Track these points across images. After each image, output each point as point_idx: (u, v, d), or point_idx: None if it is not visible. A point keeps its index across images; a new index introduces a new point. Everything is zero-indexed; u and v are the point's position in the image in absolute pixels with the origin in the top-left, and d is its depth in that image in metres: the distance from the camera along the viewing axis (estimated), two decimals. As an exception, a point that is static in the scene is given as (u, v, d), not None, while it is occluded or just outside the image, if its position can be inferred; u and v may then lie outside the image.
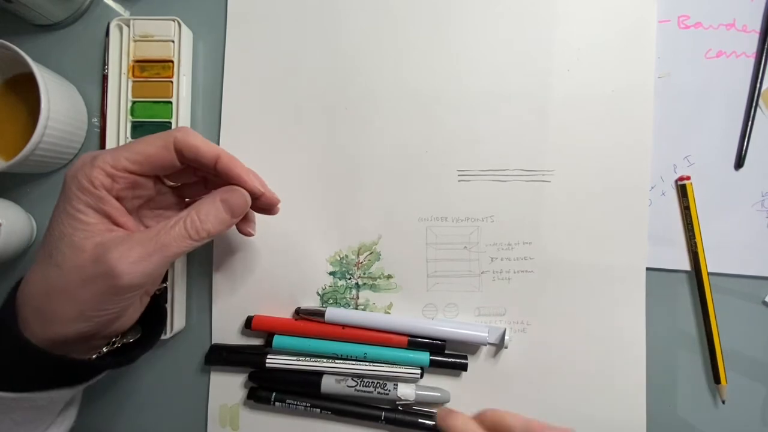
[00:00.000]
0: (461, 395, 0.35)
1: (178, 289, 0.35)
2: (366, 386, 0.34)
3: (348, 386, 0.33)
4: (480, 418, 0.32)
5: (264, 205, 0.29)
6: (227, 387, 0.35)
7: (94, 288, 0.23)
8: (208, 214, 0.26)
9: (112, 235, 0.25)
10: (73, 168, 0.25)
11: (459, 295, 0.35)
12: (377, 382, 0.34)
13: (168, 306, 0.34)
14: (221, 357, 0.35)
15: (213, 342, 0.35)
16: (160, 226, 0.25)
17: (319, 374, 0.34)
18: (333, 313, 0.34)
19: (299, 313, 0.35)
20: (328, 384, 0.34)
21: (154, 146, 0.25)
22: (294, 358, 0.34)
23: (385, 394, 0.33)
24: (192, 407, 0.36)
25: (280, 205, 0.30)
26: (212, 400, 0.35)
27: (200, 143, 0.26)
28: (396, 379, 0.34)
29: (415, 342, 0.34)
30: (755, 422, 0.35)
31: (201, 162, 0.26)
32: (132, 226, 0.26)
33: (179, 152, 0.26)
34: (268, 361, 0.34)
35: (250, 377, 0.35)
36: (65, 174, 0.25)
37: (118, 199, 0.25)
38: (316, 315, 0.34)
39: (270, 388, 0.34)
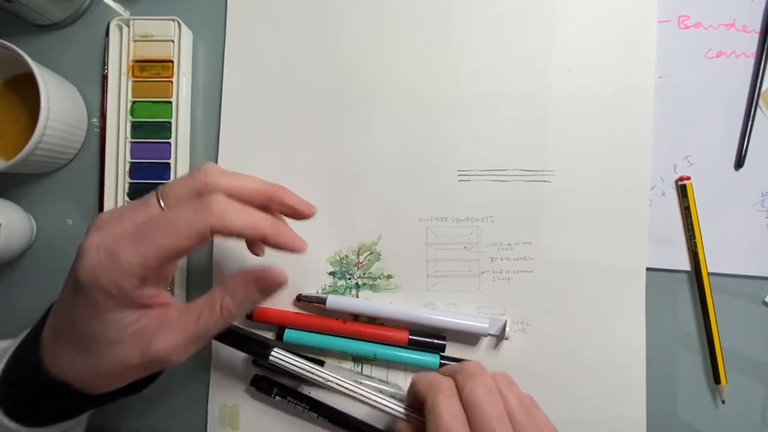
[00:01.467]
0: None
1: (178, 291, 0.35)
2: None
3: None
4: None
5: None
6: (227, 387, 0.35)
7: (142, 371, 0.24)
8: (243, 301, 0.25)
9: (148, 319, 0.24)
10: (87, 270, 0.22)
11: (459, 295, 0.35)
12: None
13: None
14: (230, 336, 0.33)
15: (212, 342, 0.35)
16: (198, 313, 0.24)
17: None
18: (334, 300, 0.34)
19: (300, 299, 0.35)
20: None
21: (188, 240, 0.22)
22: (299, 360, 0.33)
23: None
24: (192, 407, 0.36)
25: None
26: (212, 400, 0.35)
27: (243, 228, 0.23)
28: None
29: (416, 341, 0.34)
30: (755, 422, 0.35)
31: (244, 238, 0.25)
32: (163, 298, 0.25)
33: (216, 234, 0.23)
34: (273, 354, 0.32)
35: (255, 363, 0.35)
36: (79, 276, 0.22)
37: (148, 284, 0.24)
38: (317, 302, 0.34)
39: (272, 382, 0.34)
